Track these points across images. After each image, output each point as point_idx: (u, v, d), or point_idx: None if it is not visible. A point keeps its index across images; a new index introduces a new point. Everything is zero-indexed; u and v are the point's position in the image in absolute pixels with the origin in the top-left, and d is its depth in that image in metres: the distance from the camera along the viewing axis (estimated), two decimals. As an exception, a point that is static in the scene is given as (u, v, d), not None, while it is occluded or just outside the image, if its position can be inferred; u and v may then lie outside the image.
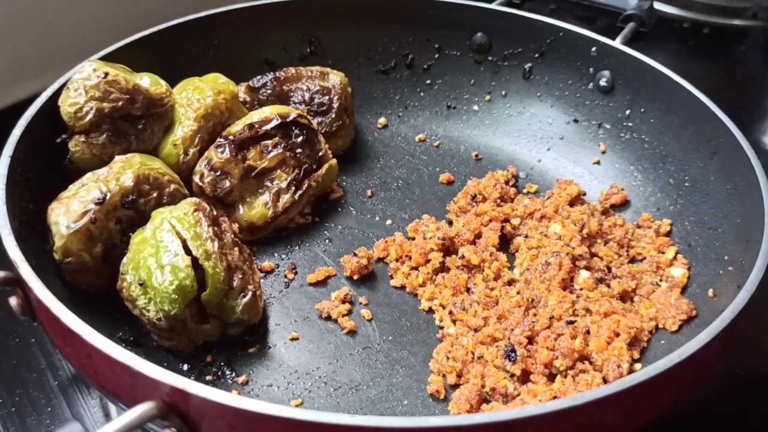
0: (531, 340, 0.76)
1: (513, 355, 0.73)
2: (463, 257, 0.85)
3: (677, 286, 0.82)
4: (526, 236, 0.90)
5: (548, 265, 0.82)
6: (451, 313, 0.81)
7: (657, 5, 1.20)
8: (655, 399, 0.58)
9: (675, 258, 0.86)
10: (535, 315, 0.77)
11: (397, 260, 0.88)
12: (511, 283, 0.85)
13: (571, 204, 0.93)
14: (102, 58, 0.90)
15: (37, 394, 0.79)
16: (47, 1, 1.11)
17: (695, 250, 0.85)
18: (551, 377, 0.74)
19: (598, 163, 1.03)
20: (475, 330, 0.78)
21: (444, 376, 0.75)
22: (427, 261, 0.86)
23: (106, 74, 0.82)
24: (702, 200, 0.87)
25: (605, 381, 0.72)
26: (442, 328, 0.81)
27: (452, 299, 0.82)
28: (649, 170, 0.97)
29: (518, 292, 0.81)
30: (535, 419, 0.51)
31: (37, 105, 0.81)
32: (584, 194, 0.97)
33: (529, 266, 0.85)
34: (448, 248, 0.88)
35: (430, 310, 0.83)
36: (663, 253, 0.87)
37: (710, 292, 0.78)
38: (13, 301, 0.67)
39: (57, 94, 0.83)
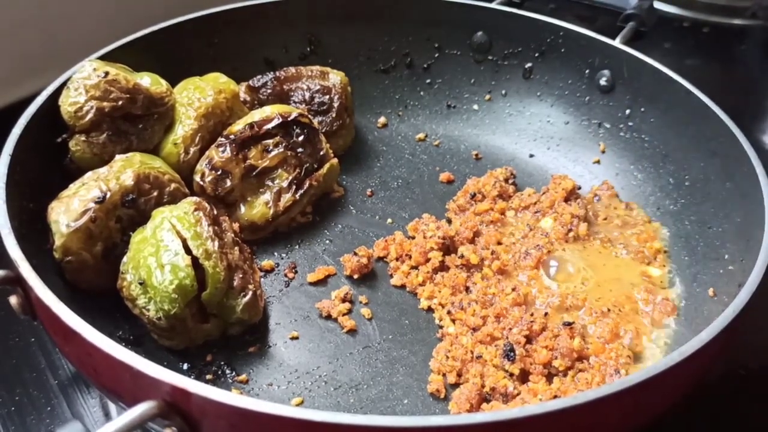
0: (529, 339, 0.76)
1: (512, 354, 0.73)
2: (462, 256, 0.85)
3: (659, 286, 0.83)
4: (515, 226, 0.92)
5: (527, 255, 0.84)
6: (449, 312, 0.81)
7: (657, 4, 1.20)
8: (656, 398, 0.58)
9: (655, 258, 0.87)
10: (532, 315, 0.77)
11: (397, 259, 0.88)
12: (502, 272, 0.85)
13: (566, 199, 0.94)
14: (102, 57, 0.89)
15: (37, 393, 0.79)
16: (47, 1, 1.11)
17: (695, 250, 0.85)
18: (550, 377, 0.74)
19: (598, 162, 1.03)
20: (474, 329, 0.78)
21: (444, 375, 0.75)
22: (427, 260, 0.86)
23: (107, 73, 0.82)
24: (702, 200, 0.87)
25: (605, 381, 0.72)
26: (441, 327, 0.81)
27: (451, 299, 0.82)
28: (649, 170, 0.97)
29: (513, 289, 0.80)
30: (536, 419, 0.51)
31: (37, 104, 0.81)
32: (579, 188, 0.98)
33: (507, 249, 0.87)
34: (448, 247, 0.88)
35: (430, 309, 0.83)
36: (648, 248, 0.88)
37: (711, 291, 0.78)
38: (13, 300, 0.67)
39: (57, 93, 0.83)
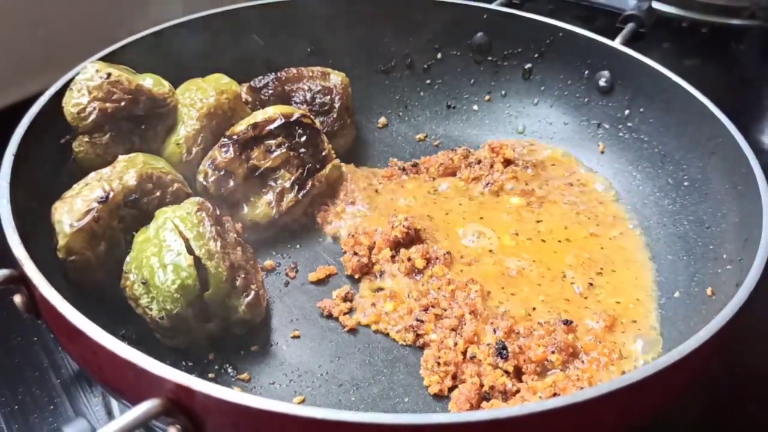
0: (513, 330, 0.77)
1: (504, 352, 0.74)
2: (409, 259, 0.85)
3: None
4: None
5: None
6: (417, 335, 0.79)
7: (655, 4, 1.20)
8: (655, 396, 0.59)
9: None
10: (505, 312, 0.79)
11: (369, 249, 0.88)
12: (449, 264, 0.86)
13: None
14: (104, 58, 0.90)
15: (40, 392, 0.80)
16: (48, 1, 1.11)
17: (694, 249, 0.85)
18: (542, 372, 0.74)
19: (597, 162, 1.03)
20: (453, 330, 0.78)
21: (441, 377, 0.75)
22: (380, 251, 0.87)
23: (109, 75, 0.82)
24: (700, 199, 0.88)
25: (598, 374, 0.73)
26: (416, 342, 0.80)
27: (405, 321, 0.81)
28: (648, 170, 0.97)
29: (473, 281, 0.82)
30: (537, 416, 0.51)
31: (40, 104, 0.82)
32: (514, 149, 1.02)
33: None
34: (413, 239, 0.88)
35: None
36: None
37: (709, 290, 0.78)
38: (17, 299, 0.67)
39: (60, 93, 0.83)
